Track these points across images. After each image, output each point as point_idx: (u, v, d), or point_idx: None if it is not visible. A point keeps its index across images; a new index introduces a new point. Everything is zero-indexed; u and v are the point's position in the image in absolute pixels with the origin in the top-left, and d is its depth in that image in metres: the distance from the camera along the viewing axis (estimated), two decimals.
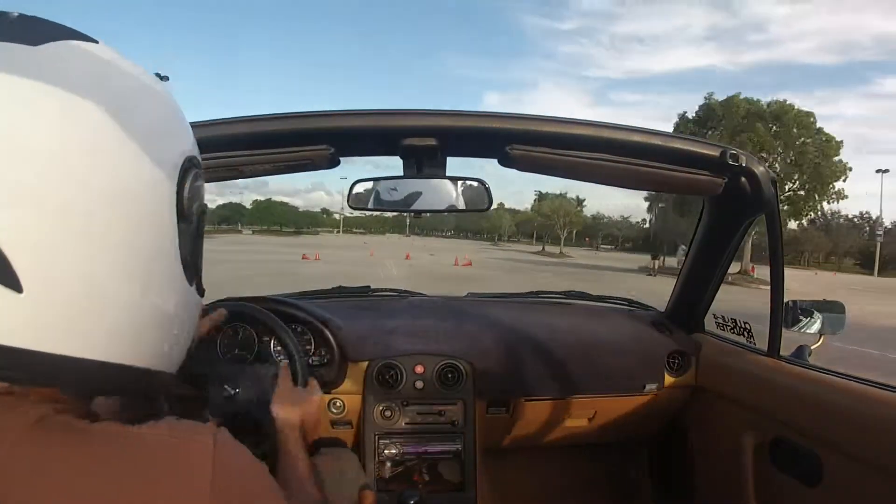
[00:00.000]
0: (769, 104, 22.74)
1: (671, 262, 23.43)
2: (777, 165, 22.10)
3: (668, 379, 1.42)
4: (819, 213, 27.14)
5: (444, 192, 1.03)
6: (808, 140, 22.25)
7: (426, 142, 0.97)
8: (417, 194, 1.04)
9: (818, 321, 1.19)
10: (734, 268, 20.38)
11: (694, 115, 24.22)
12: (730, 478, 1.18)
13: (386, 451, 1.34)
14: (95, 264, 0.37)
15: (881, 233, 37.41)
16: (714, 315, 1.47)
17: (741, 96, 22.97)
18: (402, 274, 14.69)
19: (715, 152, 1.01)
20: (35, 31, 0.38)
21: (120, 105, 0.39)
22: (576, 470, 1.70)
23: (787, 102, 22.60)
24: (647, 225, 60.37)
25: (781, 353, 1.19)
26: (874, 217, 42.77)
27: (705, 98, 23.99)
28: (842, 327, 1.22)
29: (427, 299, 1.68)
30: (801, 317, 1.19)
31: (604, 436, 1.53)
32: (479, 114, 0.98)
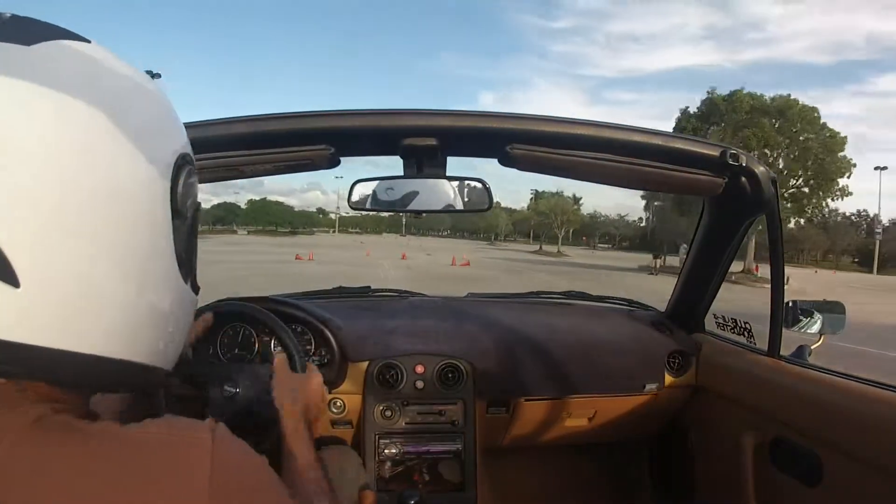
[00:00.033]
0: (773, 99, 22.33)
1: (671, 260, 23.29)
2: (780, 161, 21.81)
3: (669, 379, 1.42)
4: (825, 210, 26.78)
5: (444, 193, 1.03)
6: (812, 136, 21.82)
7: (426, 142, 0.97)
8: (418, 194, 1.04)
9: (818, 321, 1.19)
10: (737, 267, 20.21)
11: (696, 110, 23.75)
12: (730, 478, 1.18)
13: (386, 451, 1.34)
14: (91, 260, 0.37)
15: (880, 231, 37.32)
16: (714, 315, 1.47)
17: (744, 91, 22.52)
18: (399, 275, 14.42)
19: (715, 152, 1.01)
20: (28, 31, 0.38)
21: (113, 104, 0.39)
22: (576, 470, 1.70)
23: (792, 97, 22.24)
24: (643, 224, 60.44)
25: (781, 353, 1.19)
26: (872, 215, 42.88)
27: (708, 93, 23.47)
28: (842, 327, 1.22)
29: (427, 299, 1.69)
30: (801, 317, 1.20)
31: (604, 436, 1.53)
32: (479, 113, 0.98)
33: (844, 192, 22.28)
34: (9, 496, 0.35)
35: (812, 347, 1.20)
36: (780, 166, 21.88)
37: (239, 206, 73.87)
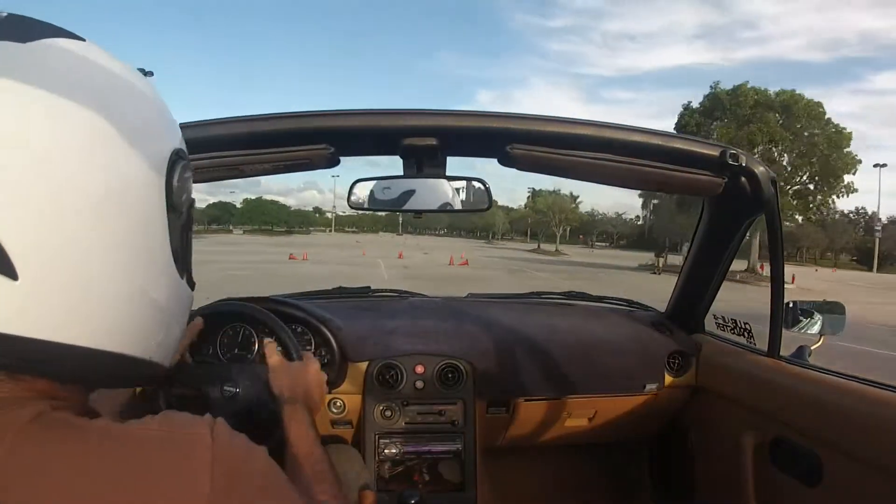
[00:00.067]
0: (778, 94, 21.58)
1: (673, 259, 23.13)
2: (785, 157, 21.36)
3: (668, 379, 1.42)
4: (831, 207, 26.10)
5: (444, 192, 1.03)
6: (818, 131, 21.19)
7: (426, 141, 0.97)
8: (418, 194, 1.04)
9: (818, 322, 1.19)
10: (742, 266, 20.01)
11: (699, 105, 23.07)
12: (730, 478, 1.18)
13: (386, 451, 1.34)
14: (88, 254, 0.38)
15: (879, 228, 37.06)
16: (714, 315, 1.47)
17: (749, 85, 21.81)
18: (396, 275, 14.16)
19: (715, 152, 1.01)
20: (23, 29, 0.39)
21: (107, 101, 0.40)
22: (576, 470, 1.70)
23: (797, 92, 21.56)
24: (640, 222, 60.31)
25: (781, 353, 1.19)
26: (870, 213, 42.71)
27: (711, 87, 22.72)
28: (842, 328, 1.22)
29: (427, 300, 1.69)
30: (801, 317, 1.20)
31: (604, 436, 1.53)
32: (479, 113, 0.98)
33: (850, 189, 21.75)
34: (10, 495, 0.35)
35: (812, 348, 1.20)
36: (785, 162, 21.42)
37: (234, 206, 73.64)
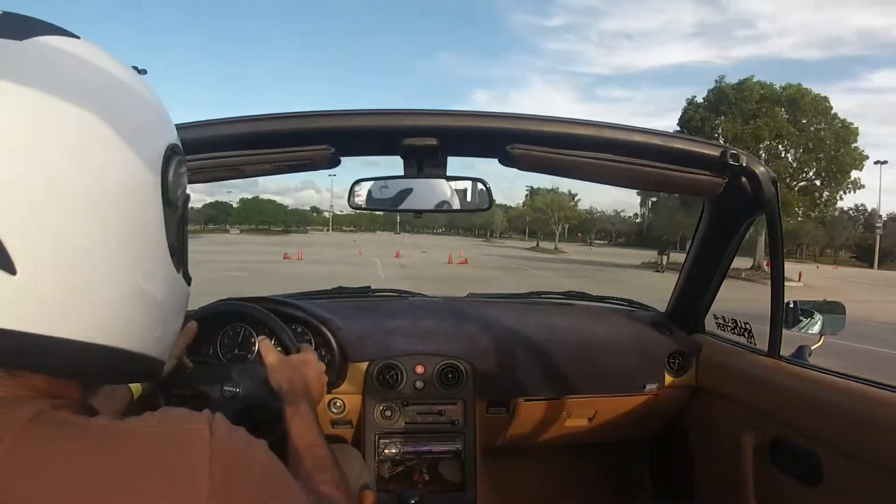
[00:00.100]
0: (784, 88, 21.13)
1: (677, 257, 22.87)
2: (791, 154, 20.98)
3: (669, 379, 1.42)
4: (839, 204, 25.24)
5: (444, 192, 1.03)
6: (824, 126, 20.72)
7: (427, 141, 0.97)
8: (418, 194, 1.04)
9: (818, 322, 1.19)
10: (747, 263, 19.64)
11: (703, 100, 22.52)
12: (730, 478, 1.18)
13: (386, 451, 1.34)
14: (86, 249, 0.38)
15: (880, 225, 36.78)
16: (714, 315, 1.47)
17: (754, 79, 21.31)
18: (393, 275, 13.81)
19: (715, 152, 1.01)
20: (17, 26, 0.39)
21: (102, 98, 0.40)
22: (576, 470, 1.70)
23: (803, 86, 21.02)
24: (639, 220, 60.16)
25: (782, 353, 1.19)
26: (869, 210, 42.44)
27: (716, 81, 22.18)
28: (842, 328, 1.22)
29: (427, 300, 1.69)
30: (801, 317, 1.20)
31: (604, 436, 1.53)
32: (479, 113, 0.98)
33: (856, 185, 21.31)
34: (9, 495, 0.35)
35: (812, 348, 1.20)
36: (790, 158, 21.01)
37: (231, 206, 73.37)
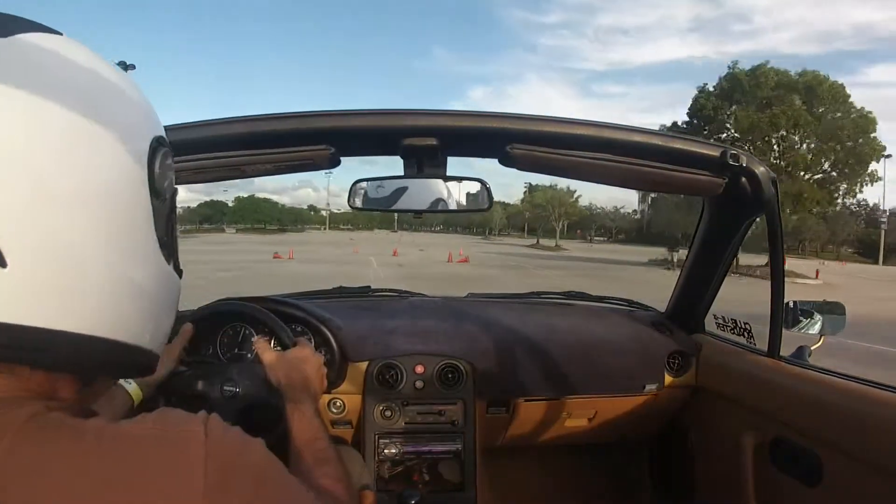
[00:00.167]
0: (800, 74, 20.17)
1: (684, 254, 22.35)
2: (805, 144, 20.14)
3: (668, 379, 1.42)
4: (857, 197, 24.82)
5: (445, 192, 1.03)
6: (839, 114, 19.73)
7: (427, 141, 0.97)
8: (419, 194, 1.04)
9: (818, 322, 1.19)
10: (760, 260, 19.38)
11: (715, 87, 21.46)
12: (730, 478, 1.18)
13: (386, 451, 1.34)
14: (76, 242, 0.38)
15: (885, 220, 36.36)
16: (714, 315, 1.47)
17: (769, 65, 20.37)
18: (389, 275, 13.27)
19: (715, 152, 1.01)
20: (1, 24, 0.39)
21: (85, 93, 0.41)
22: (576, 470, 1.70)
23: (820, 73, 20.13)
24: (638, 216, 59.89)
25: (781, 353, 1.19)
26: (871, 205, 42.04)
27: (729, 67, 21.10)
28: (842, 328, 1.22)
29: (427, 300, 1.69)
30: (801, 318, 1.20)
31: (604, 436, 1.53)
32: (479, 113, 0.98)
33: (874, 178, 20.54)
34: (9, 495, 0.35)
35: (812, 348, 1.20)
36: (804, 149, 20.10)
37: (227, 204, 73.24)
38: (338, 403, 1.32)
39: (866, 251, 40.03)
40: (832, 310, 1.22)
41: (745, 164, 1.01)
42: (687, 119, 22.01)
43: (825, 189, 20.41)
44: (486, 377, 1.34)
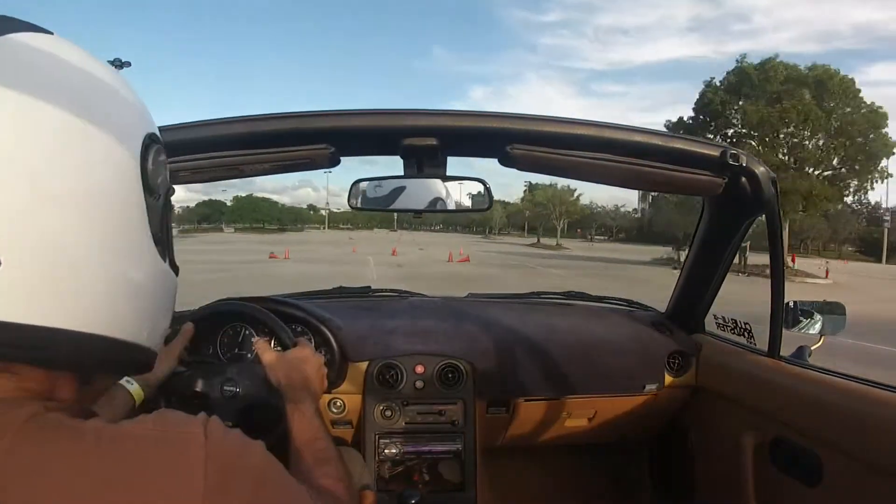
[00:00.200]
0: (810, 68, 19.47)
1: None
2: (814, 140, 19.64)
3: (668, 379, 1.42)
4: (868, 195, 24.20)
5: (444, 192, 1.03)
6: (849, 109, 19.08)
7: (427, 141, 0.97)
8: (419, 194, 1.04)
9: (819, 322, 1.19)
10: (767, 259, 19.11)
11: (722, 81, 20.69)
12: (730, 478, 1.18)
13: (386, 451, 1.34)
14: (70, 240, 0.38)
15: (888, 218, 36.06)
16: (714, 315, 1.47)
17: (778, 59, 19.71)
18: (387, 275, 12.80)
19: (715, 152, 1.01)
20: None
21: (77, 92, 0.41)
22: (576, 470, 1.70)
23: (830, 67, 19.43)
24: (638, 215, 59.68)
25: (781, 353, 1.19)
26: (873, 203, 41.76)
27: (737, 61, 20.39)
28: (842, 328, 1.22)
29: (427, 300, 1.69)
30: (801, 318, 1.20)
31: (604, 436, 1.53)
32: (479, 113, 0.98)
33: (884, 174, 19.91)
34: (9, 495, 0.35)
35: (812, 348, 1.20)
36: (811, 145, 19.57)
37: (225, 204, 72.76)
38: (338, 403, 1.32)
39: (868, 249, 39.79)
40: (832, 310, 1.22)
41: (745, 164, 1.01)
42: (693, 115, 21.54)
43: (836, 186, 19.97)
44: (486, 377, 1.34)
